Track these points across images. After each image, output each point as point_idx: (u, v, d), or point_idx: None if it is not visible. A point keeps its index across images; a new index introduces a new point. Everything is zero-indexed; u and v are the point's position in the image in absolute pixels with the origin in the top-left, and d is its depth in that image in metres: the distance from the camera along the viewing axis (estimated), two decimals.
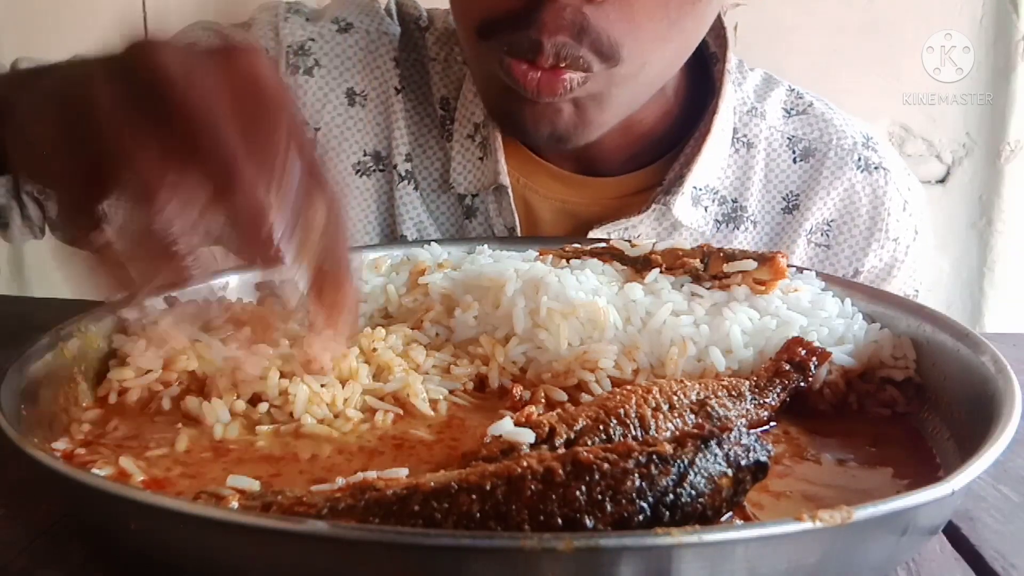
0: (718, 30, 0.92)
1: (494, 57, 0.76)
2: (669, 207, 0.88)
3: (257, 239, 0.48)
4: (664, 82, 0.84)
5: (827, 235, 0.94)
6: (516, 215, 0.89)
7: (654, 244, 0.69)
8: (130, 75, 0.48)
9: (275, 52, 0.92)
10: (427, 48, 0.96)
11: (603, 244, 0.72)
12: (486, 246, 0.78)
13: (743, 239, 0.93)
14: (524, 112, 0.77)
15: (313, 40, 0.93)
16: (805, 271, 0.70)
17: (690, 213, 0.90)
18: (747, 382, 0.56)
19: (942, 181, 1.77)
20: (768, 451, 0.41)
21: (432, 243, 0.78)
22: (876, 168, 0.94)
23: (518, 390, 0.58)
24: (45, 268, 1.90)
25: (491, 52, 0.76)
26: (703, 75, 0.94)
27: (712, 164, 0.91)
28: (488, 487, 0.37)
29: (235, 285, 0.73)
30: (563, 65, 0.72)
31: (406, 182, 0.93)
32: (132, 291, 0.50)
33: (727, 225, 0.93)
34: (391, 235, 0.94)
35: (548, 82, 0.73)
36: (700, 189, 0.90)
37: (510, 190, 0.89)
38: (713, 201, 0.92)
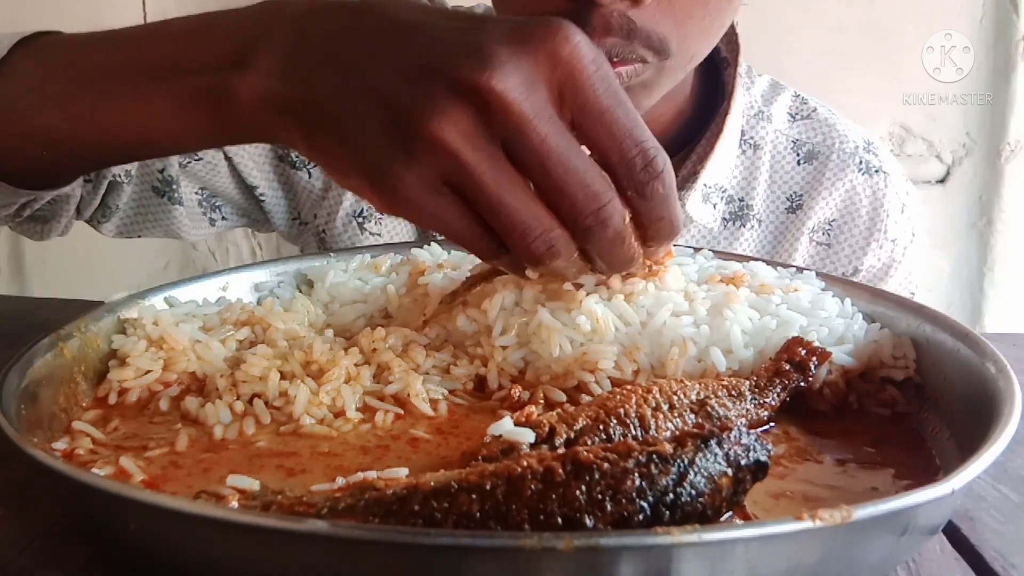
0: (730, 36, 0.95)
1: None
2: (683, 203, 0.91)
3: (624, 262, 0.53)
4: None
5: (828, 234, 0.98)
6: None
7: None
8: (467, 99, 0.46)
9: None
10: None
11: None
12: None
13: (749, 237, 0.97)
14: None
15: None
16: (805, 271, 0.71)
17: (701, 210, 0.93)
18: (747, 382, 0.56)
19: (942, 181, 1.77)
20: (768, 451, 0.41)
21: (432, 243, 0.78)
22: (876, 171, 0.97)
23: (517, 390, 0.58)
24: (45, 268, 1.90)
25: None
26: (714, 79, 0.97)
27: (723, 163, 0.94)
28: (488, 487, 0.37)
29: (235, 285, 0.73)
30: (616, 60, 0.73)
31: None
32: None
33: (734, 223, 0.96)
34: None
35: None
36: (710, 187, 0.94)
37: None
38: (721, 199, 0.95)
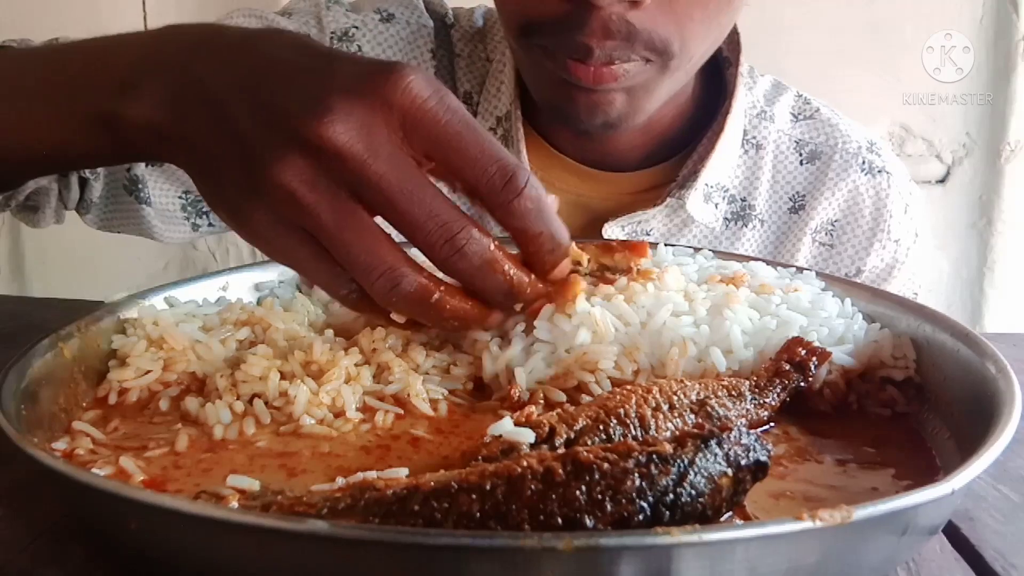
0: (732, 35, 0.95)
1: (545, 53, 0.79)
2: (683, 201, 0.91)
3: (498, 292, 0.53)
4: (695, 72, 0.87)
5: (831, 234, 0.98)
6: None
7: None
8: (309, 149, 0.48)
9: (318, 38, 0.94)
10: (453, 44, 0.99)
11: None
12: None
13: (751, 237, 0.97)
14: (578, 101, 0.80)
15: (356, 28, 0.96)
16: (805, 271, 0.71)
17: (702, 209, 0.93)
18: (747, 382, 0.56)
19: (942, 181, 1.77)
20: (768, 451, 0.41)
21: None
22: (880, 171, 0.97)
23: (517, 391, 0.58)
24: (45, 268, 1.90)
25: (542, 48, 0.79)
26: (716, 78, 0.97)
27: (724, 162, 0.94)
28: (488, 487, 0.37)
29: (235, 285, 0.73)
30: (616, 61, 0.74)
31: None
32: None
33: (736, 223, 0.96)
34: None
35: (609, 71, 0.76)
36: (712, 187, 0.94)
37: None
38: (723, 199, 0.95)
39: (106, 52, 0.59)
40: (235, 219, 0.52)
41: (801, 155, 0.98)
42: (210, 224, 1.01)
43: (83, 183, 0.89)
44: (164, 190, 0.96)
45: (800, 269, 0.71)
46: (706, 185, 0.92)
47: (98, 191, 0.91)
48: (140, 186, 0.94)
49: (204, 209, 0.99)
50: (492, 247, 0.51)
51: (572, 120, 0.83)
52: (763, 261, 0.72)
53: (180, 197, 0.97)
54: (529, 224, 0.51)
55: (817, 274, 0.70)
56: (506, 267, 0.52)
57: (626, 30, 0.72)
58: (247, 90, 0.50)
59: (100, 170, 0.90)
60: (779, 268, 0.70)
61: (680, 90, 0.88)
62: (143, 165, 0.93)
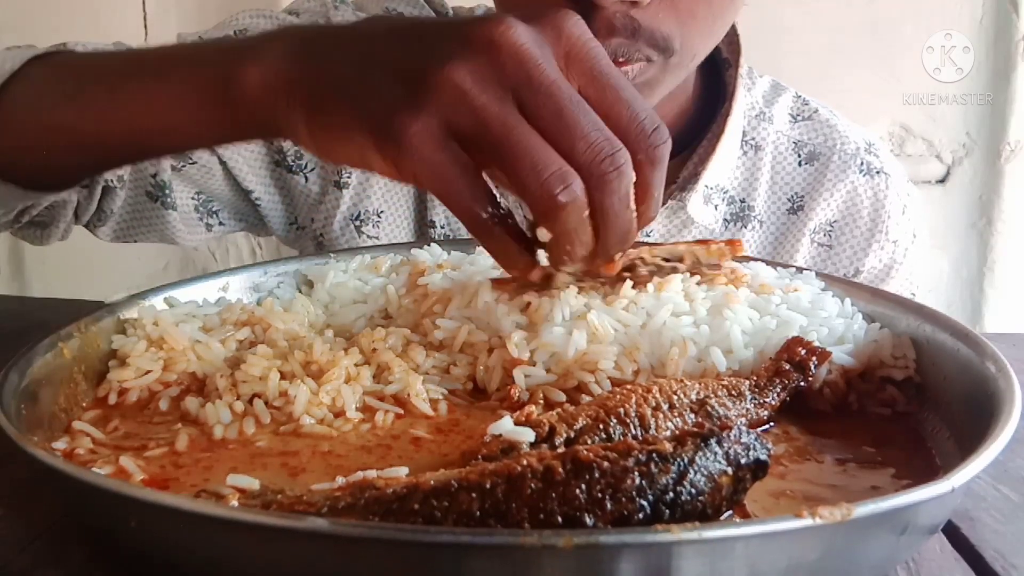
0: (731, 36, 0.95)
1: None
2: (684, 204, 0.91)
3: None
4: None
5: (829, 235, 0.98)
6: None
7: None
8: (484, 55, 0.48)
9: None
10: None
11: None
12: None
13: (750, 238, 0.97)
14: None
15: None
16: (805, 271, 0.71)
17: (702, 211, 0.93)
18: (747, 382, 0.56)
19: (942, 181, 1.77)
20: (768, 450, 0.41)
21: (432, 243, 0.78)
22: (878, 172, 0.97)
23: (516, 390, 0.58)
24: (45, 268, 1.90)
25: None
26: (715, 80, 0.97)
27: (724, 164, 0.94)
28: (488, 485, 0.37)
29: (235, 285, 0.73)
30: (622, 60, 0.74)
31: None
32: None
33: (735, 224, 0.96)
34: (422, 221, 0.98)
35: None
36: (711, 188, 0.94)
37: None
38: (723, 200, 0.95)
39: (203, 44, 0.61)
40: (383, 138, 0.49)
41: (800, 156, 0.98)
42: (221, 223, 1.01)
43: (104, 193, 0.89)
44: (185, 193, 0.96)
45: (800, 269, 0.71)
46: (706, 187, 0.92)
47: (121, 200, 0.91)
48: (167, 191, 0.94)
49: (214, 208, 0.99)
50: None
51: None
52: (763, 261, 0.72)
53: (192, 198, 0.97)
54: (659, 175, 0.51)
55: (817, 274, 0.70)
56: (633, 206, 0.52)
57: (631, 26, 0.72)
58: (391, 37, 0.51)
59: (126, 177, 0.90)
60: (779, 268, 0.70)
61: (680, 91, 0.88)
62: (168, 170, 0.93)
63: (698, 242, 0.67)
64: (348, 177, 0.97)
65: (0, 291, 1.85)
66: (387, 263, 0.75)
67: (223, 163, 0.95)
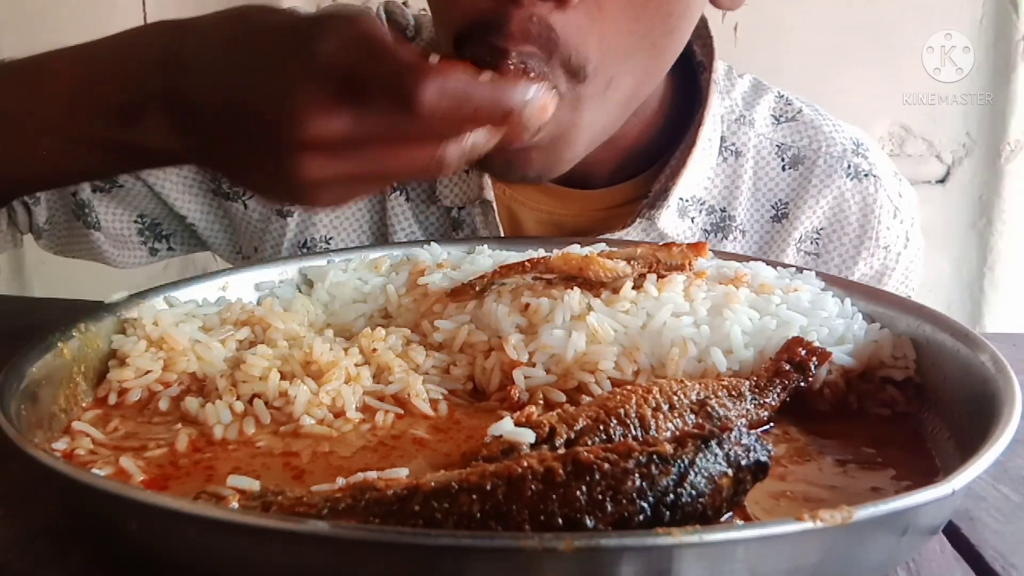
0: (705, 38, 0.91)
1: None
2: (654, 221, 0.87)
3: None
4: (641, 100, 0.80)
5: (817, 244, 0.93)
6: (501, 229, 0.89)
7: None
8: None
9: None
10: None
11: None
12: (486, 246, 0.78)
13: (732, 248, 0.92)
14: (494, 156, 0.68)
15: None
16: (805, 271, 0.70)
17: (676, 225, 0.89)
18: (747, 382, 0.56)
19: (942, 181, 1.77)
20: (768, 451, 0.41)
21: (432, 243, 0.78)
22: (866, 175, 0.93)
23: (516, 391, 0.58)
24: (45, 268, 1.90)
25: (473, 62, 0.75)
26: (690, 83, 0.92)
27: (698, 176, 0.89)
28: (488, 487, 0.37)
29: (235, 285, 0.73)
30: (533, 75, 0.66)
31: (398, 192, 0.93)
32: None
33: (715, 235, 0.92)
34: (384, 241, 0.94)
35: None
36: (686, 200, 0.90)
37: (495, 204, 0.89)
38: (700, 212, 0.91)
39: (88, 73, 0.60)
40: (284, 199, 0.54)
41: (783, 160, 0.93)
42: (169, 248, 0.99)
43: (29, 208, 0.88)
44: (116, 215, 0.94)
45: (800, 269, 0.71)
46: (680, 200, 0.88)
47: (43, 216, 0.90)
48: (87, 211, 0.92)
49: (163, 232, 0.97)
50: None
51: (495, 174, 0.83)
52: (763, 261, 0.72)
53: (136, 221, 0.95)
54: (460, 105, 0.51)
55: (817, 274, 0.70)
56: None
57: (546, 35, 0.66)
58: (230, 104, 0.53)
59: (42, 195, 0.89)
60: (779, 268, 0.70)
61: (644, 104, 0.82)
62: (88, 190, 0.92)
63: (663, 245, 0.66)
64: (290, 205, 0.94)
65: (0, 291, 1.85)
66: (387, 262, 0.75)
67: (148, 185, 0.92)
